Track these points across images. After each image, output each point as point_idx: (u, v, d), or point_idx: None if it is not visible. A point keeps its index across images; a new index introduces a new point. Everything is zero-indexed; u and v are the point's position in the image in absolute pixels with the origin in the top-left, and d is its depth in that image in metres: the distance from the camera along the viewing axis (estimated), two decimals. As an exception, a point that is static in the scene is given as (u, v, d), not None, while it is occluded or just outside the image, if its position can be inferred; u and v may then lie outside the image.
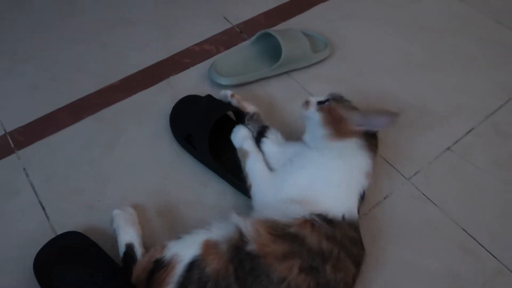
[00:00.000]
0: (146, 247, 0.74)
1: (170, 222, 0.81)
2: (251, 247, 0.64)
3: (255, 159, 0.79)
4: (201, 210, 0.82)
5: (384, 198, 0.85)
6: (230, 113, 0.93)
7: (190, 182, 0.87)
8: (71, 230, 0.78)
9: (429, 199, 0.85)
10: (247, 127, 0.85)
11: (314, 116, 0.79)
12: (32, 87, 1.02)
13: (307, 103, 0.82)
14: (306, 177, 0.72)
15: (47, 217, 0.82)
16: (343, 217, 0.69)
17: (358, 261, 0.69)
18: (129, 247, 0.73)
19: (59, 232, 0.78)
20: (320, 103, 0.80)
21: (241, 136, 0.83)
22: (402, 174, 0.88)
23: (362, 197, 0.73)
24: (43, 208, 0.83)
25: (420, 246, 0.79)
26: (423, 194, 0.85)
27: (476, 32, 1.15)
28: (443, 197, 0.85)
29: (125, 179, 0.87)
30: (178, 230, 0.78)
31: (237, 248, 0.64)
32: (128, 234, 0.74)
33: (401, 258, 0.77)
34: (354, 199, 0.71)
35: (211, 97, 0.93)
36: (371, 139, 0.76)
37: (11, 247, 0.78)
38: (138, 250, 0.73)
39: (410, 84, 1.04)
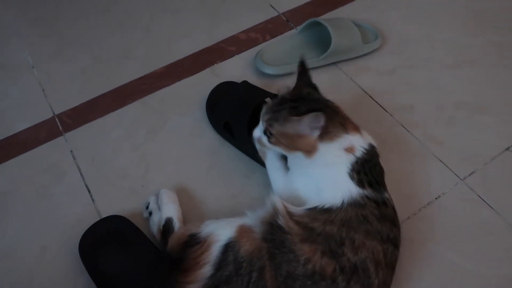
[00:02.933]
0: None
1: (210, 211, 0.81)
2: (281, 221, 0.66)
3: (272, 158, 0.80)
4: (242, 201, 0.81)
5: (436, 198, 0.80)
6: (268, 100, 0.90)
7: (233, 172, 0.85)
8: (115, 214, 0.78)
9: (484, 201, 0.80)
10: None
11: (277, 150, 0.74)
12: (79, 72, 1.03)
13: (260, 142, 0.75)
14: (301, 183, 0.74)
15: (93, 200, 0.83)
16: (343, 202, 0.68)
17: (383, 238, 0.66)
18: (169, 220, 0.76)
19: (104, 215, 0.79)
20: (265, 133, 0.73)
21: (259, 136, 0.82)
22: (456, 174, 0.83)
23: (367, 156, 0.70)
24: (89, 191, 0.84)
25: (472, 251, 0.75)
26: (478, 195, 0.81)
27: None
28: (500, 200, 0.80)
29: (168, 166, 0.87)
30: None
31: (271, 224, 0.66)
32: (169, 210, 0.77)
33: (451, 261, 0.74)
34: (345, 181, 0.69)
35: (247, 84, 0.91)
36: (329, 126, 0.70)
37: (58, 229, 0.80)
38: (176, 224, 0.76)
39: (466, 80, 0.98)
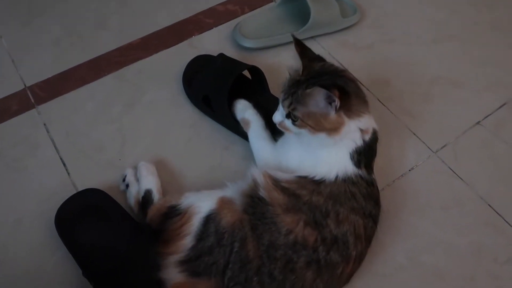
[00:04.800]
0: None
1: (189, 184, 0.81)
2: (262, 193, 0.67)
3: (257, 128, 0.80)
4: (222, 174, 0.81)
5: (409, 170, 0.83)
6: (245, 72, 0.90)
7: (212, 145, 0.85)
8: (92, 187, 0.78)
9: (456, 174, 0.83)
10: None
11: (302, 134, 0.70)
12: (52, 42, 1.00)
13: (284, 127, 0.72)
14: (297, 155, 0.73)
15: (68, 173, 0.82)
16: (337, 177, 0.68)
17: (362, 213, 0.68)
18: (148, 192, 0.75)
19: (80, 188, 0.78)
20: (288, 117, 0.70)
21: (241, 107, 0.83)
22: (428, 147, 0.86)
23: (371, 141, 0.71)
24: (64, 164, 0.83)
25: (444, 220, 0.78)
26: (450, 168, 0.83)
27: (513, 4, 1.09)
28: (470, 172, 0.82)
29: (146, 139, 0.86)
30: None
31: (251, 196, 0.67)
32: (148, 182, 0.77)
33: (424, 230, 0.76)
34: (343, 157, 0.70)
35: (224, 56, 0.90)
36: (354, 102, 0.69)
37: (33, 201, 0.78)
38: (156, 196, 0.75)
39: (442, 55, 0.99)
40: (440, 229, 0.77)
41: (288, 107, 0.69)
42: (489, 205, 0.79)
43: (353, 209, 0.67)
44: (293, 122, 0.69)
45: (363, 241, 0.68)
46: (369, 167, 0.71)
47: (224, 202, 0.68)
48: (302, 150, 0.73)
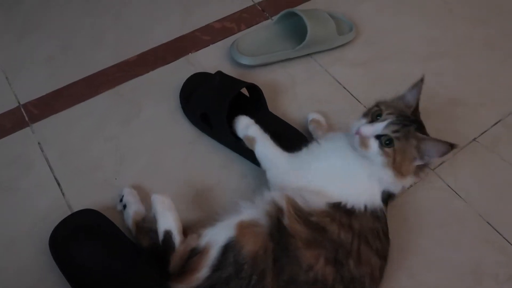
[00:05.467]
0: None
1: (190, 204, 0.80)
2: (286, 221, 0.63)
3: (264, 142, 0.76)
4: (222, 193, 0.81)
5: (408, 188, 0.82)
6: (244, 90, 0.90)
7: (210, 163, 0.85)
8: (87, 207, 0.76)
9: (454, 191, 0.83)
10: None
11: (376, 158, 0.67)
12: (46, 59, 0.98)
13: (363, 141, 0.67)
14: (325, 168, 0.71)
15: (63, 194, 0.80)
16: (365, 207, 0.67)
17: (382, 255, 0.67)
18: (167, 234, 0.68)
19: (75, 209, 0.77)
20: (378, 137, 0.67)
21: (244, 125, 0.79)
22: (427, 164, 0.86)
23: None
24: (59, 184, 0.81)
25: (444, 238, 0.77)
26: (448, 185, 0.83)
27: (507, 22, 1.10)
28: (468, 189, 0.83)
29: (143, 157, 0.85)
30: (199, 213, 0.78)
31: (278, 219, 0.63)
32: (166, 220, 0.70)
33: (424, 248, 0.76)
34: (376, 188, 0.69)
35: (223, 74, 0.90)
36: None
37: (26, 222, 0.76)
38: (176, 239, 0.68)
39: (437, 71, 1.00)
40: (440, 247, 0.76)
41: (392, 132, 0.66)
42: (488, 222, 0.79)
43: (377, 251, 0.66)
44: (381, 145, 0.66)
45: (377, 282, 0.66)
46: (386, 205, 0.72)
47: (243, 227, 0.64)
48: (337, 166, 0.70)
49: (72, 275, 0.70)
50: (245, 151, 0.84)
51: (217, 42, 1.03)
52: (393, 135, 0.66)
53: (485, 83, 0.99)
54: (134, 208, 0.75)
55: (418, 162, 0.68)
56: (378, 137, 0.67)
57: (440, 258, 0.75)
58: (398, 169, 0.67)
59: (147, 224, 0.73)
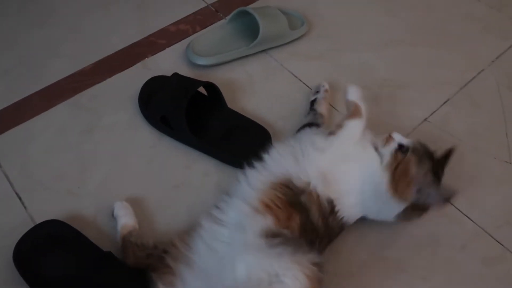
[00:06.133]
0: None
1: (155, 206, 0.80)
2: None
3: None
4: (187, 192, 0.82)
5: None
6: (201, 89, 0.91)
7: (174, 164, 0.86)
8: (52, 218, 0.76)
9: (409, 170, 0.86)
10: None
11: (385, 154, 0.73)
12: (2, 73, 0.98)
13: (388, 139, 0.75)
14: (351, 171, 0.74)
15: (25, 207, 0.80)
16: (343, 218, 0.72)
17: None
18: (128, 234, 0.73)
19: (39, 221, 0.76)
20: (400, 146, 0.74)
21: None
22: (382, 147, 0.89)
23: None
24: (19, 198, 0.81)
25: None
26: (403, 165, 0.87)
27: (455, 9, 1.15)
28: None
29: (106, 164, 0.85)
30: (164, 215, 0.79)
31: None
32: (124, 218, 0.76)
33: (383, 225, 0.79)
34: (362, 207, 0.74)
35: (179, 75, 0.91)
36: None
37: (-12, 239, 0.76)
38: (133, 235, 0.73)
39: (389, 59, 1.04)
40: (398, 223, 0.79)
41: (412, 149, 0.73)
42: None
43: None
44: (397, 149, 0.73)
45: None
46: None
47: None
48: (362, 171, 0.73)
49: (40, 287, 0.70)
50: (207, 149, 0.85)
51: (173, 45, 1.04)
52: (411, 147, 0.73)
53: (432, 66, 1.03)
54: (121, 222, 0.75)
55: (413, 193, 0.70)
56: (400, 145, 0.74)
57: (400, 233, 0.78)
58: (395, 180, 0.71)
59: (133, 239, 0.73)
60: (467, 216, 0.81)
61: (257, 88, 0.98)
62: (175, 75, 0.91)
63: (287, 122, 0.92)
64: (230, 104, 0.92)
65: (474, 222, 0.80)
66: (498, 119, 0.95)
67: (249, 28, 1.03)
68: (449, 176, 0.76)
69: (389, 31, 1.10)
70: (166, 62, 1.00)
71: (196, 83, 0.88)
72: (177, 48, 1.03)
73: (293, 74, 1.01)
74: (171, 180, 0.84)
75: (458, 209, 0.82)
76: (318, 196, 0.70)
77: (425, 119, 0.94)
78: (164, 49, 1.03)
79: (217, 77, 0.97)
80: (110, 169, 0.85)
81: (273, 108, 0.94)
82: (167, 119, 0.86)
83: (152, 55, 1.02)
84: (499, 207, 0.82)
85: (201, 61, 0.98)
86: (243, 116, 0.90)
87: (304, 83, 0.99)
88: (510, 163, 0.88)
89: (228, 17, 1.05)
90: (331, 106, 0.95)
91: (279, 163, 0.73)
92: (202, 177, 0.84)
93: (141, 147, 0.88)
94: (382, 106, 0.96)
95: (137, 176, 0.84)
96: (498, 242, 0.78)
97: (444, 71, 1.03)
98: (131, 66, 1.00)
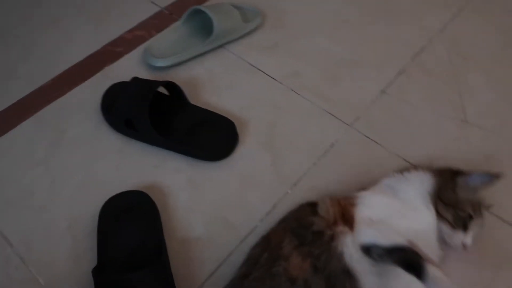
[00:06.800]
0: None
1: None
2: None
3: None
4: (159, 191, 0.83)
5: (331, 146, 0.89)
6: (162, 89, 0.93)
7: (143, 166, 0.86)
8: (24, 236, 0.76)
9: (371, 139, 0.89)
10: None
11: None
12: (-42, 100, 0.97)
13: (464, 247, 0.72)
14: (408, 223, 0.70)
15: (-3, 227, 0.79)
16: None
17: None
18: None
19: (12, 240, 0.77)
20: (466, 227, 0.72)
21: None
22: (344, 122, 0.92)
23: None
24: (-9, 218, 0.80)
25: (367, 181, 0.80)
26: (365, 135, 0.90)
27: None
28: (382, 135, 0.89)
29: (75, 176, 0.85)
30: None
31: None
32: None
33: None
34: None
35: (138, 79, 0.92)
36: None
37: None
38: None
39: (344, 41, 1.07)
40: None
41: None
42: (397, 155, 0.86)
43: None
44: (443, 200, 0.72)
45: None
46: None
47: None
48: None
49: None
50: (175, 146, 0.87)
51: (130, 52, 1.05)
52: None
53: (383, 42, 1.07)
54: None
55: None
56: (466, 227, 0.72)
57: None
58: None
59: None
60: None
61: (218, 82, 1.00)
62: (135, 79, 0.92)
63: (251, 110, 0.94)
64: (193, 101, 0.93)
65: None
66: (450, 82, 0.99)
67: (205, 27, 1.05)
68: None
69: (339, 14, 1.14)
70: (126, 69, 1.01)
71: (156, 83, 0.90)
72: (135, 54, 1.04)
73: (252, 65, 1.03)
74: (141, 180, 0.84)
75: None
76: None
77: (382, 91, 0.97)
78: (122, 56, 1.04)
79: (178, 77, 0.99)
80: (80, 181, 0.85)
81: (236, 99, 0.96)
82: (131, 122, 0.87)
83: (111, 63, 1.03)
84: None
85: (160, 63, 0.99)
86: (206, 110, 0.92)
87: (263, 72, 1.02)
88: (466, 121, 0.92)
89: (182, 18, 1.07)
90: (295, 92, 0.97)
91: None
92: (174, 174, 0.85)
93: (109, 154, 0.88)
94: (341, 84, 0.99)
95: (107, 182, 0.84)
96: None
97: (395, 44, 1.07)
98: (91, 77, 1.00)
